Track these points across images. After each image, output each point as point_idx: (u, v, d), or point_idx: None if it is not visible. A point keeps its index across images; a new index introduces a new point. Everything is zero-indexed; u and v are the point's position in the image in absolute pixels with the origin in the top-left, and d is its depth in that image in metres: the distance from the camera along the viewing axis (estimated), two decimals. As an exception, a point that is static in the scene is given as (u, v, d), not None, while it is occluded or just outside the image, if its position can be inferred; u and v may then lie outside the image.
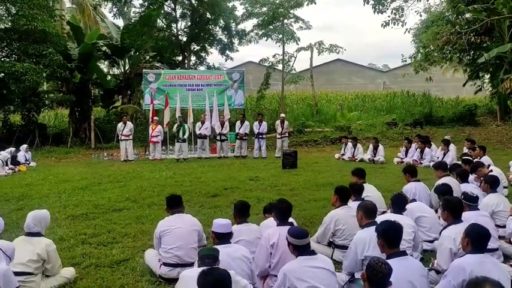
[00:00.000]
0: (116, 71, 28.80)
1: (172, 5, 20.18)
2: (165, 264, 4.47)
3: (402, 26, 21.14)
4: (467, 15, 19.59)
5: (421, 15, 23.58)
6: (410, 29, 22.24)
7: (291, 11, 19.68)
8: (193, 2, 17.97)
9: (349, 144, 13.82)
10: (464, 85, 22.24)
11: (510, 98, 19.77)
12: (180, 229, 4.55)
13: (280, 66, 21.71)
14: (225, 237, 3.80)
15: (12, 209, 7.80)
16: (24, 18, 17.70)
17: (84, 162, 15.24)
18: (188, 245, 4.51)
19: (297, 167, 12.08)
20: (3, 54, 19.73)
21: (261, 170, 11.86)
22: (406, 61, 22.26)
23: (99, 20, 25.23)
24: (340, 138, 15.71)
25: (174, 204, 4.88)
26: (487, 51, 18.74)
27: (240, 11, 19.97)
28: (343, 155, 13.97)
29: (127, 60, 22.54)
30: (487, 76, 22.87)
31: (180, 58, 22.60)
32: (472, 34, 17.63)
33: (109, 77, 23.99)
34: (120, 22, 26.87)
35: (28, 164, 13.90)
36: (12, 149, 14.00)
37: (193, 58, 21.64)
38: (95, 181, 10.64)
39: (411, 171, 6.58)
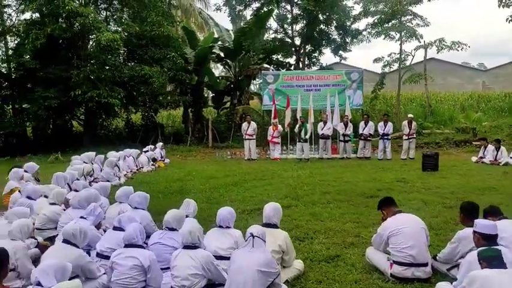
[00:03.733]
0: (222, 73, 30.03)
1: (288, 6, 20.40)
2: (397, 263, 4.40)
3: (531, 19, 19.55)
4: None
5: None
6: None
7: (409, 8, 18.99)
8: (310, 3, 17.94)
9: (490, 147, 12.94)
10: None
11: None
12: (409, 229, 4.46)
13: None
14: (492, 239, 3.64)
15: (185, 202, 8.29)
16: (152, 24, 18.91)
17: (210, 160, 15.90)
18: (421, 243, 4.42)
19: (438, 170, 11.53)
20: (130, 58, 21.22)
21: (400, 172, 11.50)
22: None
23: (212, 24, 26.34)
24: (478, 140, 14.68)
25: (393, 205, 4.83)
26: None
27: (356, 10, 19.70)
28: (481, 158, 13.12)
29: (237, 62, 23.20)
30: None
31: (289, 60, 22.81)
32: None
33: (219, 79, 24.91)
34: (228, 25, 27.85)
35: (163, 160, 14.78)
36: (152, 146, 14.99)
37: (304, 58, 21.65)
38: (239, 178, 10.99)
39: None
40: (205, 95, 25.70)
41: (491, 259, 3.23)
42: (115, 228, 4.74)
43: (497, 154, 12.68)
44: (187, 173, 12.17)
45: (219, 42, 23.34)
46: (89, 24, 16.58)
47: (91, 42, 19.89)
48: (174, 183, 10.46)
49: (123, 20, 18.13)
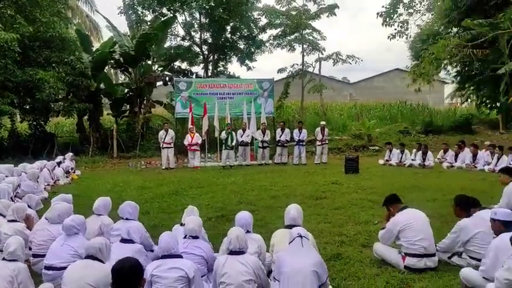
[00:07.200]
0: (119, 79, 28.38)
1: (197, 14, 20.20)
2: (409, 255, 4.69)
3: (407, 38, 22.58)
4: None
5: (420, 29, 25.10)
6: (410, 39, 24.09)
7: (309, 22, 20.27)
8: (224, 12, 18.14)
9: (395, 151, 14.44)
10: (466, 97, 23.78)
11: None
12: (418, 222, 4.81)
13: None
14: (510, 225, 4.08)
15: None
16: (46, 25, 17.15)
17: (125, 171, 15.00)
18: (430, 236, 4.77)
19: (359, 172, 12.45)
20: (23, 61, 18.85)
21: (327, 175, 12.08)
22: (413, 72, 23.13)
23: (102, 27, 24.80)
24: (385, 144, 16.08)
25: (398, 201, 5.16)
26: (486, 64, 20.36)
27: (263, 21, 20.35)
28: (387, 160, 14.55)
29: (138, 69, 22.20)
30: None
31: (194, 67, 22.61)
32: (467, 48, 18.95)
33: (117, 86, 23.56)
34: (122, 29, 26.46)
35: (74, 172, 13.47)
36: (61, 157, 13.55)
37: (211, 66, 21.67)
38: (175, 187, 10.61)
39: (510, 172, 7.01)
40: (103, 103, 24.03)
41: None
42: (123, 241, 4.25)
43: (402, 156, 14.19)
44: (113, 184, 11.32)
45: (117, 47, 22.10)
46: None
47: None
48: (107, 195, 9.57)
49: (16, 19, 16.00)
